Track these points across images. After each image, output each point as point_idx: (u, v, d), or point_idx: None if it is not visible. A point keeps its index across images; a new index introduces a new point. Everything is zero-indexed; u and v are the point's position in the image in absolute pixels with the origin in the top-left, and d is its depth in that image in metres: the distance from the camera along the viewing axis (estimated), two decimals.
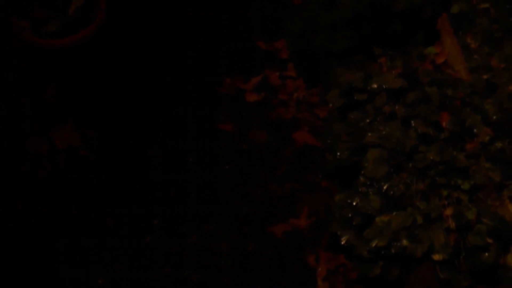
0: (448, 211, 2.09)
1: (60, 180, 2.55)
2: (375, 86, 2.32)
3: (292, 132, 2.76)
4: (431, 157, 2.12)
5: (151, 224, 2.49)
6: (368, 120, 2.28)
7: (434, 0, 2.59)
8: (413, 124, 2.19)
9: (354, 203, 2.20)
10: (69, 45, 2.61)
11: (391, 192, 2.12)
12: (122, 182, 2.57)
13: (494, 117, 2.19)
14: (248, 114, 2.82)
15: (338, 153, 2.28)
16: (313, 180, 2.62)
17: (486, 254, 2.01)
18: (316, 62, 2.73)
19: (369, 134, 2.22)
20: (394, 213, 2.12)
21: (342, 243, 2.20)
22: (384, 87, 2.29)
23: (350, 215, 2.20)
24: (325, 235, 2.40)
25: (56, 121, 2.68)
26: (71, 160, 2.60)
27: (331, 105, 2.45)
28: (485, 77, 2.44)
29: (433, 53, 2.51)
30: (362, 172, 2.21)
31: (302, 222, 2.51)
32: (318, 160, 2.66)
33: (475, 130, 2.16)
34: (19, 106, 2.69)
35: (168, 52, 2.99)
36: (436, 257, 2.03)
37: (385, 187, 2.12)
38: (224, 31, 3.11)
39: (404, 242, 2.05)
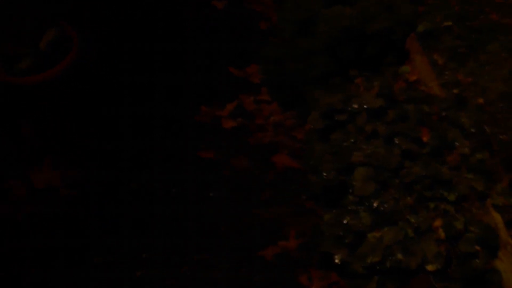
0: (437, 223, 2.16)
1: (40, 222, 2.49)
2: (356, 106, 2.39)
3: (272, 156, 2.79)
4: (417, 172, 2.19)
5: (140, 257, 2.45)
6: (352, 140, 2.34)
7: (403, 21, 2.70)
8: (396, 142, 2.27)
9: (345, 221, 2.24)
10: (42, 81, 2.57)
11: (381, 209, 2.18)
12: (105, 220, 2.52)
13: (472, 130, 2.29)
14: (227, 141, 2.84)
15: (325, 174, 2.32)
16: (297, 202, 2.65)
17: (477, 260, 2.08)
18: (292, 86, 2.79)
19: (355, 153, 2.28)
20: (386, 228, 2.17)
21: (336, 261, 2.24)
22: (365, 106, 2.37)
23: (341, 233, 2.24)
24: (316, 254, 2.43)
25: (34, 161, 2.62)
26: (51, 200, 2.54)
27: (312, 126, 2.50)
28: (455, 91, 2.55)
29: (406, 72, 2.61)
30: (351, 190, 2.26)
31: (291, 244, 2.52)
32: (300, 182, 2.69)
33: (456, 143, 2.25)
34: None
35: (143, 84, 2.99)
36: (430, 267, 2.09)
37: (375, 204, 2.18)
38: (195, 60, 3.13)
39: (399, 255, 2.10)
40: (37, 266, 2.39)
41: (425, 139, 2.33)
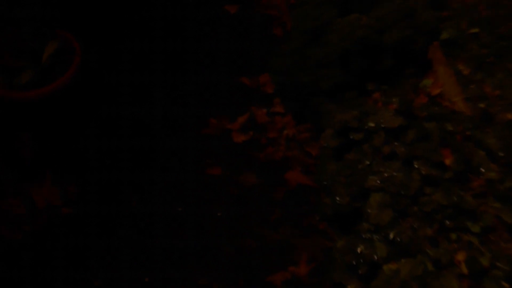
0: (460, 256, 1.98)
1: (41, 243, 2.37)
2: (372, 125, 2.21)
3: (284, 173, 2.63)
4: (438, 200, 2.01)
5: (142, 281, 2.32)
6: (367, 162, 2.17)
7: (424, 29, 2.51)
8: (415, 166, 2.09)
9: (358, 250, 2.08)
10: (43, 96, 2.44)
11: (398, 239, 2.01)
12: (108, 242, 2.40)
13: (500, 153, 2.10)
14: (236, 156, 2.69)
15: (338, 198, 2.16)
16: (310, 223, 2.49)
17: None
18: (304, 98, 2.62)
19: (370, 177, 2.11)
20: (403, 260, 2.01)
21: None
22: (382, 126, 2.19)
23: (354, 262, 2.08)
24: (327, 282, 2.27)
25: (34, 177, 2.50)
26: (52, 219, 2.42)
27: (325, 144, 2.34)
28: (481, 105, 2.36)
29: (428, 86, 2.42)
30: (365, 217, 2.10)
31: (302, 270, 2.37)
32: (313, 201, 2.53)
33: (482, 168, 2.06)
34: None
35: (149, 92, 2.85)
36: None
37: (391, 235, 2.01)
38: (205, 69, 2.98)
39: None
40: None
41: (447, 161, 2.15)
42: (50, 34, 2.58)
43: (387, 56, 2.41)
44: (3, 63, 2.51)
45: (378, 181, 2.09)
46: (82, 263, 2.36)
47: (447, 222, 2.00)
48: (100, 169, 2.58)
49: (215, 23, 3.13)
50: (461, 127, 2.23)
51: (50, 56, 2.54)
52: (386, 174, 2.11)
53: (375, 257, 2.02)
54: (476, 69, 2.54)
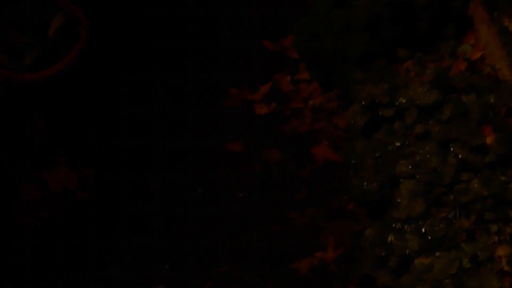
0: (500, 251, 1.78)
1: (58, 229, 2.30)
2: (404, 101, 1.99)
3: (310, 148, 2.44)
4: (476, 189, 1.80)
5: (163, 268, 2.23)
6: (398, 144, 1.96)
7: None
8: (451, 149, 1.87)
9: (388, 241, 1.91)
10: (50, 76, 2.31)
11: (431, 232, 1.82)
12: (125, 226, 2.30)
13: None
14: (258, 130, 2.51)
15: (365, 184, 1.98)
16: (337, 204, 2.32)
17: None
18: (331, 66, 2.39)
19: (401, 161, 1.91)
20: (437, 254, 1.82)
21: (378, 286, 1.93)
22: (416, 102, 1.96)
23: (384, 253, 1.92)
24: (355, 272, 2.12)
25: (47, 161, 2.40)
26: (68, 204, 2.33)
27: (351, 121, 2.13)
28: None
29: (467, 51, 2.15)
30: (395, 205, 1.91)
31: (329, 255, 2.22)
32: (341, 179, 2.35)
33: None
34: (3, 147, 2.41)
35: (164, 61, 2.67)
36: None
37: (424, 228, 1.82)
38: (223, 32, 2.76)
39: None
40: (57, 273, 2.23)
41: (488, 140, 1.91)
42: (53, 5, 2.40)
43: (421, 18, 2.14)
44: (7, 41, 2.37)
45: (410, 167, 1.89)
46: (99, 252, 2.28)
47: (487, 214, 1.79)
48: (118, 148, 2.46)
49: None
50: (505, 100, 1.98)
51: (57, 30, 2.38)
52: (418, 157, 1.90)
53: (406, 250, 1.85)
54: None
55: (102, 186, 2.38)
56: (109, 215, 2.34)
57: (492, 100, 1.98)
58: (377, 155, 1.99)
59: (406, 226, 1.88)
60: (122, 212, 2.35)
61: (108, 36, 2.59)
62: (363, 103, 2.08)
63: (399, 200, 1.88)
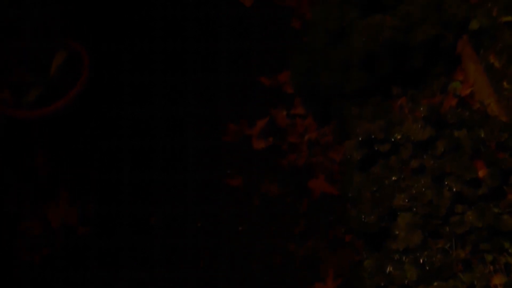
0: (496, 280, 1.85)
1: (59, 264, 2.32)
2: (399, 137, 2.07)
3: (307, 181, 2.51)
4: (471, 221, 1.87)
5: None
6: (394, 178, 2.03)
7: (453, 23, 2.32)
8: (446, 182, 1.95)
9: (387, 271, 1.97)
10: (51, 113, 2.36)
11: (429, 262, 1.88)
12: (126, 260, 2.34)
13: None
14: (257, 164, 2.57)
15: (364, 216, 2.04)
16: (335, 235, 2.38)
17: None
18: (327, 101, 2.48)
19: (398, 195, 1.98)
20: (435, 283, 1.88)
21: None
22: (411, 138, 2.04)
23: (383, 284, 1.97)
24: None
25: (48, 196, 2.44)
26: (69, 240, 2.37)
27: (348, 156, 2.20)
28: None
29: (457, 87, 2.25)
30: (393, 237, 1.97)
31: (329, 286, 2.28)
32: (338, 211, 2.42)
33: None
34: (5, 184, 2.45)
35: (166, 96, 2.74)
36: None
37: (421, 259, 1.89)
38: (220, 67, 2.84)
39: None
40: None
41: (481, 174, 1.99)
42: (55, 41, 2.47)
43: (414, 57, 2.24)
44: (11, 80, 2.42)
45: (406, 200, 1.96)
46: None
47: (482, 245, 1.86)
48: (118, 182, 2.51)
49: (231, 17, 2.98)
50: (495, 134, 2.07)
51: (59, 67, 2.44)
52: (414, 191, 1.97)
53: (405, 280, 1.90)
54: (509, 62, 2.35)
55: (102, 220, 2.42)
56: (109, 249, 2.37)
57: (482, 135, 2.06)
58: (375, 188, 2.06)
59: (404, 257, 1.94)
60: (122, 246, 2.38)
61: (109, 68, 2.66)
62: (360, 138, 2.15)
63: (397, 232, 1.94)
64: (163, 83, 2.77)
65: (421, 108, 2.10)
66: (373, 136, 2.11)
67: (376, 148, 2.13)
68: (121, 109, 2.66)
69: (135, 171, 2.54)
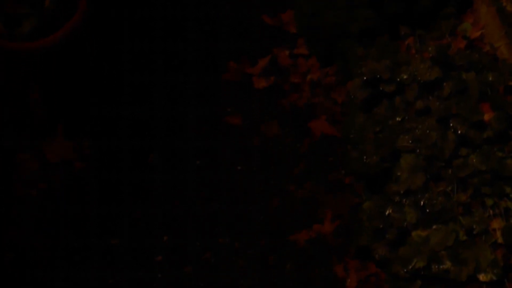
0: (495, 224, 1.84)
1: (57, 200, 2.30)
2: (405, 77, 2.02)
3: (308, 121, 2.47)
4: (474, 165, 1.84)
5: (161, 242, 2.26)
6: (398, 119, 1.99)
7: None
8: (451, 124, 1.91)
9: (386, 213, 1.96)
10: (48, 45, 2.28)
11: (430, 206, 1.87)
12: (124, 195, 2.32)
13: None
14: (257, 104, 2.52)
15: (365, 157, 2.01)
16: (335, 177, 2.36)
17: None
18: (331, 41, 2.41)
19: (402, 136, 1.94)
20: (434, 226, 1.87)
21: (375, 258, 1.98)
22: (417, 78, 1.99)
23: (381, 226, 1.96)
24: (353, 244, 2.16)
25: (46, 131, 2.40)
26: (66, 175, 2.34)
27: (352, 96, 2.16)
28: None
29: (467, 29, 2.18)
30: (395, 179, 1.95)
31: (327, 228, 2.27)
32: (339, 153, 2.39)
33: None
34: (1, 118, 2.40)
35: (163, 35, 2.66)
36: (483, 277, 1.80)
37: (422, 201, 1.87)
38: (224, 3, 2.75)
39: (447, 263, 1.81)
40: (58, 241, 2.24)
41: (487, 117, 1.96)
42: None
43: None
44: (4, 11, 2.33)
45: (410, 141, 1.92)
46: (99, 223, 2.30)
47: (484, 188, 1.84)
48: (115, 118, 2.46)
49: None
50: (503, 78, 2.02)
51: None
52: (418, 132, 1.93)
53: (404, 222, 1.89)
54: None
55: (101, 154, 2.39)
56: (108, 184, 2.35)
57: (490, 78, 2.02)
58: (378, 129, 2.02)
59: (404, 200, 1.92)
60: (121, 180, 2.36)
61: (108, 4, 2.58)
62: (365, 78, 2.10)
63: (399, 174, 1.92)
64: (164, 18, 2.68)
65: (429, 49, 2.04)
66: (378, 76, 2.06)
67: (381, 88, 2.08)
68: (121, 43, 2.59)
69: (134, 106, 2.49)
